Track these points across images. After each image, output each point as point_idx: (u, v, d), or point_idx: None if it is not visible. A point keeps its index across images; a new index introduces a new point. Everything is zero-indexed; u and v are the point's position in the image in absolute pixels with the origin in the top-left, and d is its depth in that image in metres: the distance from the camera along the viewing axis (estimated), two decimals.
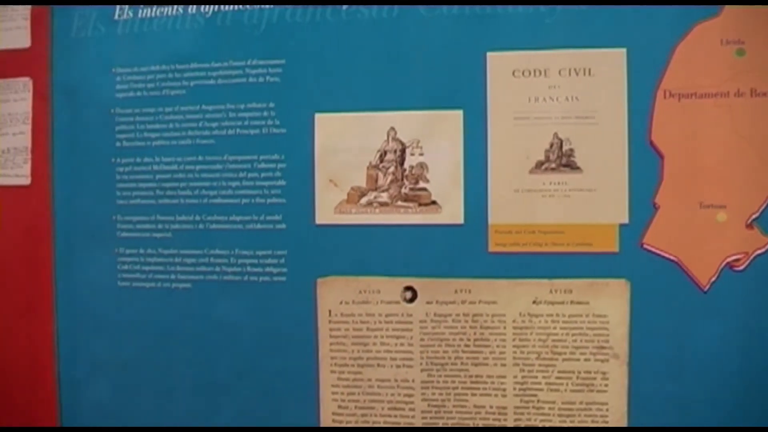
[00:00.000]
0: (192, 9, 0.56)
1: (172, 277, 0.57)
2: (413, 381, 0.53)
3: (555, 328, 0.51)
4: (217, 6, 0.56)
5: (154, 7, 0.57)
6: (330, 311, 0.54)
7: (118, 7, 0.58)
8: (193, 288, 0.56)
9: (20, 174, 0.60)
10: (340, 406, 0.55)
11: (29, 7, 0.59)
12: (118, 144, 0.57)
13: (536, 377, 0.51)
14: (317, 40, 0.54)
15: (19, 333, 0.60)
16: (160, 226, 0.57)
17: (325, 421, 0.55)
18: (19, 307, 0.60)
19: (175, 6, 0.56)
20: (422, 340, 0.53)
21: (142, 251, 0.57)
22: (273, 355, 0.55)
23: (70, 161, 0.59)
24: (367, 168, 0.54)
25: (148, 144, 0.57)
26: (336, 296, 0.54)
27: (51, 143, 0.59)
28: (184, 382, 0.57)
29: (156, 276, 0.57)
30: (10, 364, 0.61)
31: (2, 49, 0.60)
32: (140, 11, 0.57)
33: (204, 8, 0.56)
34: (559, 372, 0.51)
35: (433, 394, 0.53)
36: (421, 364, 0.53)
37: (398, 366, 0.53)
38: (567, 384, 0.51)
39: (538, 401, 0.51)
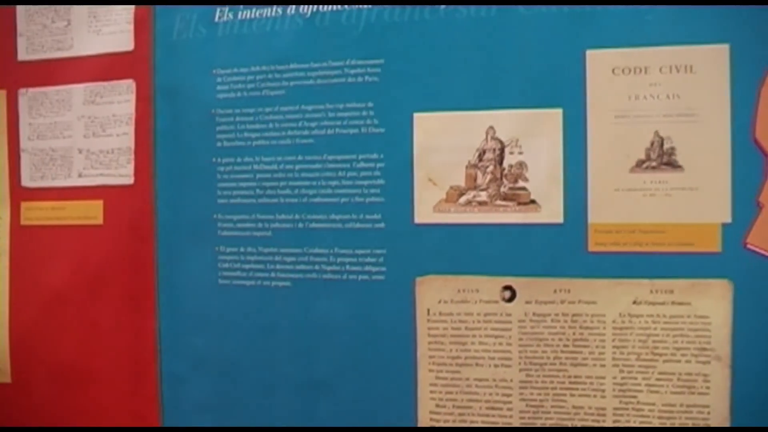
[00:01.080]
0: (291, 10, 0.86)
1: (272, 275, 0.87)
2: (511, 381, 0.81)
3: (656, 329, 0.76)
4: (315, 6, 0.86)
5: (254, 9, 0.88)
6: (428, 310, 0.83)
7: (218, 9, 0.89)
8: (292, 286, 0.87)
9: (124, 174, 0.94)
10: (438, 405, 0.83)
11: (132, 10, 0.92)
12: (218, 144, 0.89)
13: (636, 378, 0.77)
14: (416, 39, 0.82)
15: (123, 329, 0.94)
16: (260, 225, 0.88)
17: (423, 421, 0.83)
18: (123, 303, 0.94)
19: (275, 7, 0.87)
20: (521, 339, 0.80)
21: (242, 249, 0.89)
22: (372, 353, 0.84)
23: (171, 161, 0.91)
24: (466, 167, 0.81)
25: (249, 144, 0.88)
26: (435, 295, 0.83)
27: (153, 143, 0.92)
28: (283, 380, 0.87)
29: (256, 274, 0.88)
30: (114, 359, 0.95)
31: (107, 53, 0.94)
32: (240, 13, 0.89)
33: (303, 9, 0.86)
34: (659, 373, 0.76)
35: (531, 394, 0.80)
36: (519, 363, 0.80)
37: (496, 365, 0.81)
38: (667, 386, 0.76)
39: (638, 403, 0.77)
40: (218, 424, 0.89)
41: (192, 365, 0.90)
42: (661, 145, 0.73)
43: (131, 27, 0.91)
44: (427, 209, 0.80)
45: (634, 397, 0.75)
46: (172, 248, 0.90)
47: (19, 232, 0.98)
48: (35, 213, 0.96)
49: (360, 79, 0.82)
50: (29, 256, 0.97)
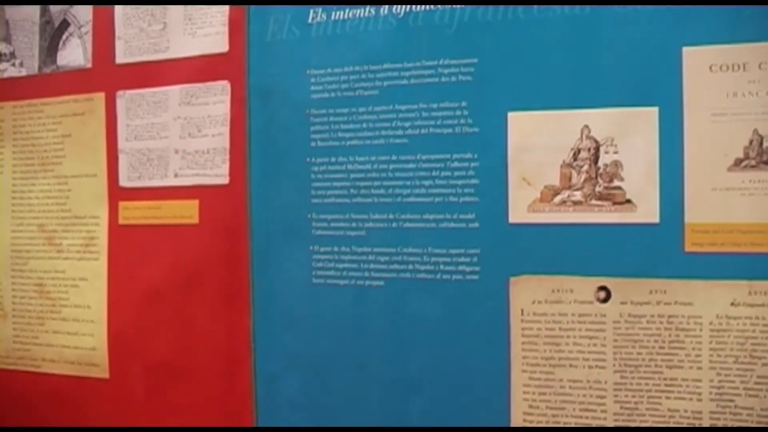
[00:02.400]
0: (384, 10, 1.20)
1: (366, 274, 1.19)
2: (606, 382, 1.08)
3: (754, 331, 1.02)
4: (409, 6, 1.20)
5: (347, 9, 1.22)
6: (522, 310, 1.12)
7: (311, 10, 1.23)
8: (386, 286, 1.17)
9: (219, 174, 1.31)
10: (531, 406, 1.13)
11: (226, 13, 1.28)
12: (312, 144, 1.23)
13: (734, 382, 1.02)
14: (509, 38, 1.07)
15: (218, 327, 1.30)
16: (354, 225, 1.21)
17: (516, 421, 1.13)
18: (218, 302, 1.29)
19: (368, 7, 1.21)
20: (615, 341, 1.07)
21: (336, 249, 1.22)
22: (465, 353, 1.09)
23: (266, 161, 1.25)
24: (561, 166, 1.09)
25: (342, 144, 1.21)
26: (528, 295, 1.13)
27: (248, 143, 1.26)
28: (376, 380, 1.14)
29: (350, 273, 1.20)
30: (208, 357, 1.30)
31: (202, 54, 1.31)
32: (333, 14, 1.23)
33: (396, 9, 1.19)
34: (758, 377, 0.98)
35: (626, 396, 1.07)
36: (614, 365, 1.08)
37: (590, 367, 1.07)
38: (767, 390, 1.05)
39: (735, 407, 1.03)
40: (311, 423, 1.14)
41: (285, 364, 1.18)
42: (760, 143, 0.95)
43: (226, 29, 1.22)
44: (521, 209, 1.06)
45: (732, 401, 0.96)
46: (267, 247, 1.20)
47: (116, 231, 1.34)
48: (132, 212, 1.33)
49: (453, 78, 1.08)
50: (127, 255, 1.32)
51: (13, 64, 1.34)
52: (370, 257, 1.13)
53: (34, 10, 1.32)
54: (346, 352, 1.15)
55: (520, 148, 1.05)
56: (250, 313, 1.19)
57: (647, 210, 0.99)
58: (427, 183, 1.09)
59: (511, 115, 1.05)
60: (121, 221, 1.28)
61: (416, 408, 1.11)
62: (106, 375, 1.31)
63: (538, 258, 1.04)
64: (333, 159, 1.14)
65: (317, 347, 1.16)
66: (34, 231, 1.35)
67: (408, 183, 1.10)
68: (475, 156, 1.07)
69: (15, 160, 1.34)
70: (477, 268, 1.07)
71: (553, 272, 1.04)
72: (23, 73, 1.35)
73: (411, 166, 1.10)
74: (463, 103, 1.07)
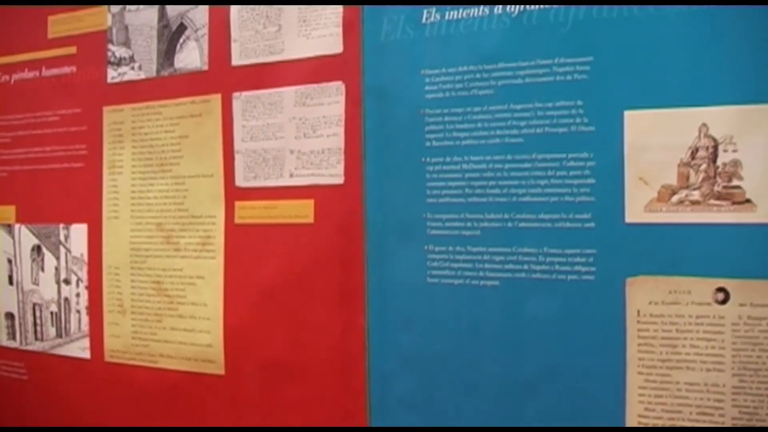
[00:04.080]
0: (498, 9, 1.34)
1: (480, 274, 1.32)
2: (724, 386, 1.14)
3: None
4: (523, 5, 1.33)
5: (461, 9, 1.37)
6: (639, 311, 1.21)
7: (425, 10, 1.39)
8: (501, 286, 1.30)
9: (334, 173, 1.47)
10: (646, 409, 1.23)
11: (341, 14, 1.45)
12: (427, 144, 1.37)
13: None
14: (625, 35, 1.15)
15: (332, 326, 1.43)
16: (468, 224, 1.35)
17: (630, 423, 1.22)
18: (333, 301, 1.43)
19: (482, 7, 1.35)
20: (734, 343, 1.13)
21: (450, 248, 1.36)
22: (580, 354, 1.19)
23: (381, 161, 1.40)
24: (678, 165, 1.17)
25: (457, 143, 1.34)
26: (645, 296, 1.22)
27: (363, 143, 1.41)
28: (490, 380, 1.26)
29: (464, 273, 1.33)
30: (323, 355, 1.44)
31: (316, 56, 1.46)
32: (447, 13, 1.38)
33: (510, 8, 1.33)
34: None
35: (745, 400, 1.12)
36: (732, 368, 1.14)
37: (708, 370, 1.13)
38: None
39: None
40: (424, 423, 1.26)
41: (399, 363, 1.32)
42: None
43: (340, 30, 1.36)
44: (637, 208, 1.16)
45: None
46: (381, 247, 1.33)
47: (233, 230, 1.51)
48: (248, 212, 1.51)
49: (569, 77, 1.19)
50: (242, 254, 1.49)
51: (132, 68, 1.53)
52: (485, 257, 1.24)
53: (152, 14, 1.50)
54: (460, 351, 1.26)
55: (636, 147, 1.14)
56: (365, 312, 1.33)
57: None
58: (542, 182, 1.20)
59: (627, 113, 1.14)
60: (237, 220, 1.45)
61: (530, 409, 1.21)
62: (221, 371, 1.48)
63: (654, 258, 1.13)
64: (448, 159, 1.26)
65: (431, 347, 1.29)
66: (152, 230, 1.54)
67: (523, 182, 1.21)
68: (591, 155, 1.17)
69: (134, 161, 1.54)
70: (593, 269, 1.17)
71: (670, 273, 1.12)
72: (142, 76, 1.54)
73: (526, 165, 1.21)
74: (579, 102, 1.17)
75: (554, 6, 1.18)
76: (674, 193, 1.12)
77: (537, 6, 1.19)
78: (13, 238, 1.72)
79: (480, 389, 1.26)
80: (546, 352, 1.21)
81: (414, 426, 1.29)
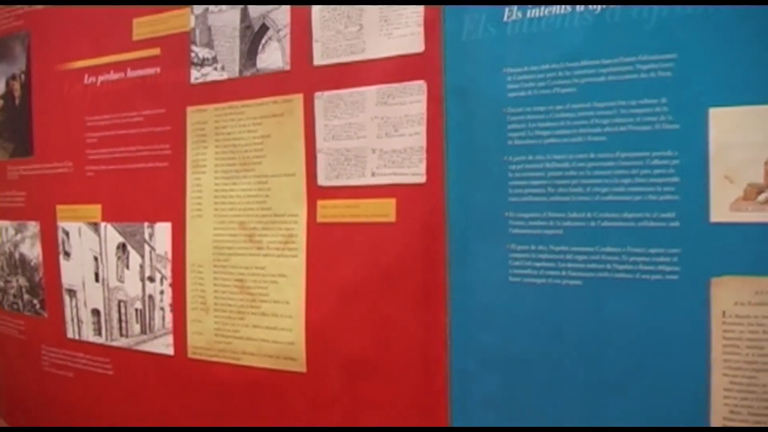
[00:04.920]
0: (580, 6, 1.40)
1: (563, 273, 1.38)
2: None
3: None
4: (606, 5, 1.38)
5: (543, 7, 1.43)
6: (724, 312, 1.24)
7: (506, 8, 1.45)
8: (583, 285, 1.35)
9: (416, 172, 1.54)
10: (732, 411, 1.25)
11: (422, 13, 1.52)
12: (509, 142, 1.43)
13: None
14: (710, 32, 1.17)
15: (414, 325, 1.50)
16: (551, 223, 1.40)
17: (716, 425, 1.31)
18: (415, 299, 1.50)
19: (564, 4, 1.40)
20: None
21: (533, 247, 1.42)
22: (663, 355, 1.23)
23: (463, 159, 1.46)
24: (765, 163, 1.14)
25: (540, 142, 1.40)
26: (730, 297, 1.25)
27: (445, 142, 1.48)
28: (572, 380, 1.31)
29: (547, 272, 1.39)
30: (404, 354, 1.51)
31: (398, 55, 1.53)
32: (529, 11, 1.44)
33: (592, 5, 1.40)
34: None
35: None
36: None
37: None
38: None
39: None
40: (505, 423, 1.33)
41: (481, 362, 1.38)
42: None
43: (421, 29, 1.42)
44: (723, 207, 1.18)
45: None
46: (464, 245, 1.40)
47: (315, 229, 1.57)
48: (330, 211, 1.58)
49: (653, 74, 1.22)
50: (324, 252, 1.55)
51: (215, 68, 1.63)
52: (568, 256, 1.29)
53: (235, 15, 1.59)
54: (543, 351, 1.31)
55: (721, 145, 1.17)
56: (447, 311, 1.39)
57: None
58: (625, 181, 1.24)
59: (712, 111, 1.18)
60: (319, 219, 1.52)
61: (613, 410, 1.26)
62: (303, 369, 1.55)
63: (741, 258, 1.16)
64: (530, 157, 1.31)
65: (513, 346, 1.34)
66: (235, 229, 1.62)
67: (606, 181, 1.25)
68: (676, 153, 1.20)
69: (217, 161, 1.63)
70: (677, 268, 1.21)
71: (757, 273, 1.15)
72: (225, 76, 1.63)
73: (609, 164, 1.25)
74: (663, 100, 1.21)
75: (637, 6, 1.21)
76: (761, 191, 1.15)
77: (620, 5, 1.22)
78: (99, 236, 1.83)
79: (562, 389, 1.30)
80: (629, 352, 1.24)
81: (496, 426, 1.34)
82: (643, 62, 1.23)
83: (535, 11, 1.30)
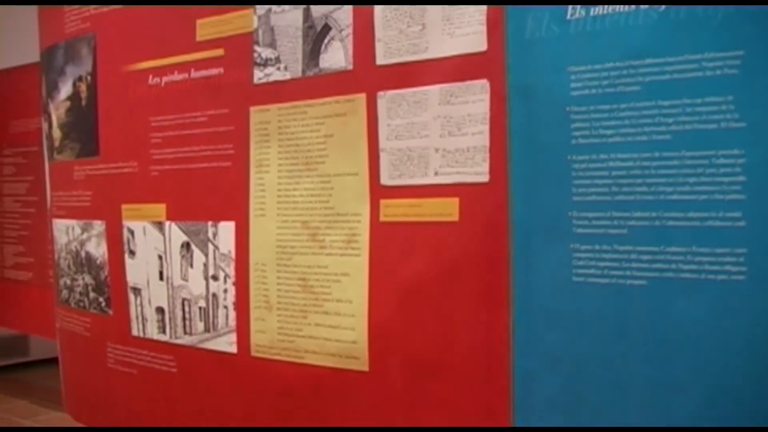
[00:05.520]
0: (644, 4, 1.42)
1: (627, 273, 1.39)
2: None
3: None
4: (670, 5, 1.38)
5: (607, 5, 1.45)
6: None
7: (570, 6, 1.48)
8: (648, 285, 1.35)
9: (479, 171, 1.56)
10: None
11: (484, 11, 1.56)
12: (573, 141, 1.45)
13: None
14: None
15: (477, 324, 1.53)
16: (615, 223, 1.42)
17: None
18: (478, 298, 1.53)
19: (627, 3, 1.42)
20: None
21: (597, 247, 1.43)
22: (730, 355, 1.22)
23: (526, 158, 1.49)
24: None
25: (604, 141, 1.41)
26: None
27: (508, 141, 1.52)
28: (637, 380, 1.31)
29: (611, 272, 1.40)
30: (467, 353, 1.54)
31: (461, 54, 1.55)
32: (593, 9, 1.46)
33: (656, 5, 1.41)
34: None
35: None
36: None
37: None
38: None
39: None
40: (569, 423, 1.36)
41: (544, 362, 1.39)
42: None
43: (484, 28, 1.44)
44: None
45: None
46: (527, 245, 1.42)
47: (378, 228, 1.61)
48: (393, 210, 1.62)
49: (719, 72, 1.22)
50: (387, 251, 1.58)
51: (278, 68, 1.68)
52: (632, 256, 1.31)
53: (298, 16, 1.64)
54: (607, 351, 1.33)
55: None
56: (510, 311, 1.42)
57: None
58: (691, 180, 1.25)
59: None
60: (382, 218, 1.56)
61: (678, 411, 1.27)
62: (365, 368, 1.59)
63: None
64: (594, 156, 1.33)
65: (577, 346, 1.36)
66: (298, 228, 1.67)
67: (671, 180, 1.27)
68: (742, 152, 1.21)
69: (280, 160, 1.68)
70: (743, 268, 1.21)
71: None
72: (287, 76, 1.67)
73: (674, 162, 1.26)
74: (729, 97, 1.22)
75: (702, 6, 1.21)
76: None
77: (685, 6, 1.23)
78: (163, 235, 1.90)
79: (626, 390, 1.32)
80: (695, 352, 1.26)
81: (559, 426, 1.36)
82: (708, 60, 1.24)
83: (598, 9, 1.32)
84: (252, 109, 1.71)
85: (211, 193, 1.80)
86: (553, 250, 1.38)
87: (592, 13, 1.33)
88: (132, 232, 1.94)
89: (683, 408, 1.26)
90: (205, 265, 1.78)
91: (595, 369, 1.34)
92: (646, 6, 1.27)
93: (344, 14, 1.54)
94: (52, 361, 2.76)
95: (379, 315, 1.55)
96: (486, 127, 1.42)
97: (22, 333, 3.80)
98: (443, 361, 1.48)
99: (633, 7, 1.28)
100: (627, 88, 1.30)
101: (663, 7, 1.26)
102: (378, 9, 1.51)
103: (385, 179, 1.51)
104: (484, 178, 1.43)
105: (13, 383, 3.75)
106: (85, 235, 2.08)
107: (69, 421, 2.37)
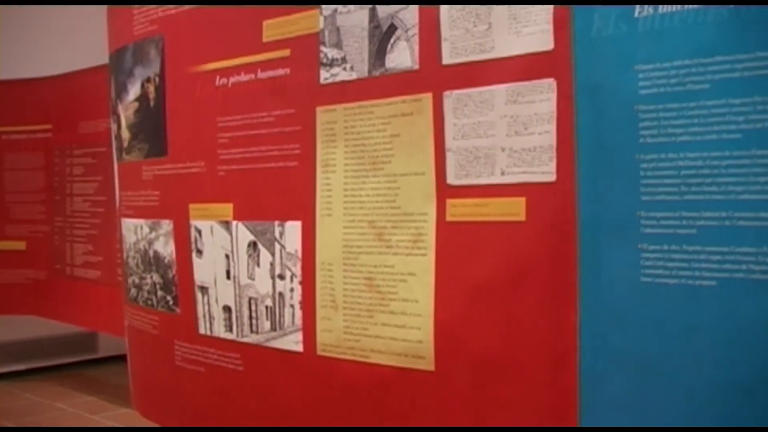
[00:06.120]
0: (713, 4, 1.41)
1: (696, 274, 1.38)
2: None
3: None
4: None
5: (675, 3, 1.45)
6: None
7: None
8: (718, 286, 1.35)
9: (546, 171, 1.57)
10: None
11: (551, 9, 1.58)
12: (641, 140, 1.45)
13: None
14: None
15: (543, 324, 1.52)
16: (684, 222, 1.41)
17: None
18: (544, 298, 1.53)
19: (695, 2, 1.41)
20: None
21: (665, 247, 1.44)
22: None
23: (593, 158, 1.49)
24: None
25: (672, 140, 1.41)
26: None
27: (575, 141, 1.53)
28: (705, 382, 1.32)
29: (680, 272, 1.40)
30: (533, 354, 1.55)
31: (527, 53, 1.57)
32: (661, 7, 1.48)
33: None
34: None
35: None
36: None
37: None
38: None
39: None
40: (635, 424, 1.39)
41: (611, 363, 1.39)
42: None
43: (551, 27, 1.44)
44: None
45: None
46: (594, 245, 1.42)
47: (444, 227, 1.62)
48: (460, 210, 1.63)
49: None
50: (453, 251, 1.60)
51: (344, 69, 1.71)
52: (702, 256, 1.31)
53: (363, 16, 1.67)
54: (675, 353, 1.34)
55: None
56: (577, 311, 1.43)
57: None
58: (762, 180, 1.25)
59: None
60: (448, 218, 1.59)
61: (747, 413, 1.28)
62: (431, 367, 1.61)
63: None
64: (663, 155, 1.34)
65: (644, 347, 1.37)
66: (364, 227, 1.70)
67: (742, 180, 1.27)
68: None
69: (347, 160, 1.72)
70: None
71: None
72: (353, 76, 1.71)
73: (745, 161, 1.27)
74: None
75: None
76: None
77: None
78: (230, 234, 1.95)
79: (695, 392, 1.32)
80: (765, 355, 1.25)
81: (626, 426, 1.37)
82: None
83: (667, 6, 1.32)
84: (318, 109, 1.75)
85: (278, 192, 1.84)
86: (621, 250, 1.39)
87: (660, 11, 1.34)
88: (199, 232, 2.00)
89: (750, 411, 1.27)
90: (272, 265, 1.82)
91: (662, 370, 1.35)
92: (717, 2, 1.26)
93: (410, 14, 1.56)
94: (120, 358, 2.85)
95: (445, 315, 1.57)
96: (553, 127, 1.44)
97: (90, 330, 3.89)
98: (509, 362, 1.50)
99: (702, 4, 1.30)
100: (696, 86, 1.30)
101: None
102: (444, 8, 1.54)
103: (452, 179, 1.54)
104: (551, 177, 1.44)
105: (82, 379, 3.86)
106: (153, 235, 2.15)
107: (136, 417, 2.44)
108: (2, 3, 3.35)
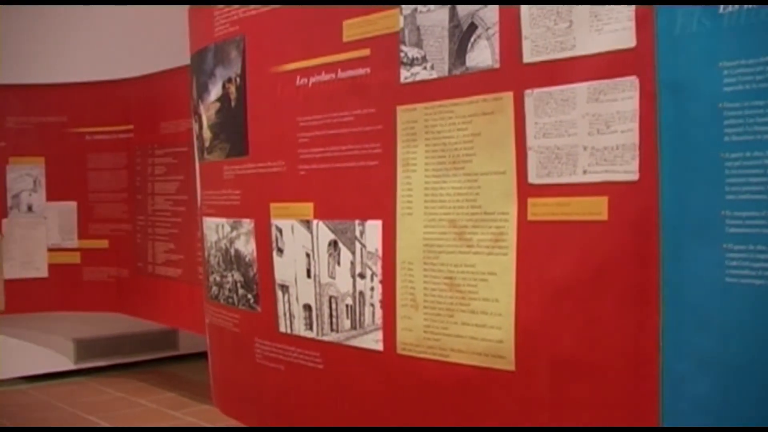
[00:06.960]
0: None
1: None
2: None
3: None
4: None
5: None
6: None
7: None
8: None
9: (628, 170, 1.58)
10: None
11: (633, 8, 1.59)
12: (726, 138, 1.45)
13: None
14: None
15: (626, 324, 1.54)
16: None
17: None
18: (626, 299, 1.54)
19: None
20: None
21: (751, 247, 1.43)
22: None
23: (676, 156, 1.50)
24: None
25: (758, 138, 1.40)
26: None
27: (658, 139, 1.55)
28: None
29: (766, 273, 1.41)
30: (614, 354, 1.56)
31: (609, 51, 1.58)
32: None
33: None
34: None
35: None
36: None
37: None
38: None
39: None
40: (719, 426, 1.43)
41: (695, 365, 1.40)
42: None
43: (633, 24, 1.45)
44: None
45: None
46: (677, 245, 1.43)
47: (525, 227, 1.65)
48: (541, 209, 1.65)
49: None
50: (534, 251, 1.62)
51: (425, 68, 1.75)
52: None
53: (443, 15, 1.71)
54: (760, 354, 1.34)
55: None
56: (659, 312, 1.44)
57: None
58: None
59: None
60: (529, 217, 1.61)
61: None
62: (512, 367, 1.64)
63: None
64: (748, 154, 1.34)
65: (729, 349, 1.37)
66: (445, 226, 1.74)
67: None
68: None
69: (427, 159, 1.76)
70: None
71: None
72: (434, 75, 1.74)
73: None
74: None
75: None
76: None
77: None
78: (311, 233, 2.00)
79: None
80: None
81: (708, 426, 1.37)
82: None
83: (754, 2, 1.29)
84: (399, 108, 1.79)
85: (358, 192, 1.89)
86: (705, 250, 1.39)
87: (746, 6, 1.34)
88: (280, 231, 2.06)
89: None
90: (352, 263, 1.87)
91: (746, 372, 1.36)
92: None
93: (490, 13, 1.59)
94: (201, 356, 2.93)
95: (526, 314, 1.60)
96: (635, 125, 1.45)
97: (171, 328, 4.00)
98: (591, 362, 1.52)
99: None
100: None
101: None
102: (524, 7, 1.56)
103: (533, 178, 1.56)
104: (634, 176, 1.46)
105: (163, 376, 3.97)
106: (234, 233, 2.21)
107: (216, 414, 2.51)
108: (86, 3, 3.46)
